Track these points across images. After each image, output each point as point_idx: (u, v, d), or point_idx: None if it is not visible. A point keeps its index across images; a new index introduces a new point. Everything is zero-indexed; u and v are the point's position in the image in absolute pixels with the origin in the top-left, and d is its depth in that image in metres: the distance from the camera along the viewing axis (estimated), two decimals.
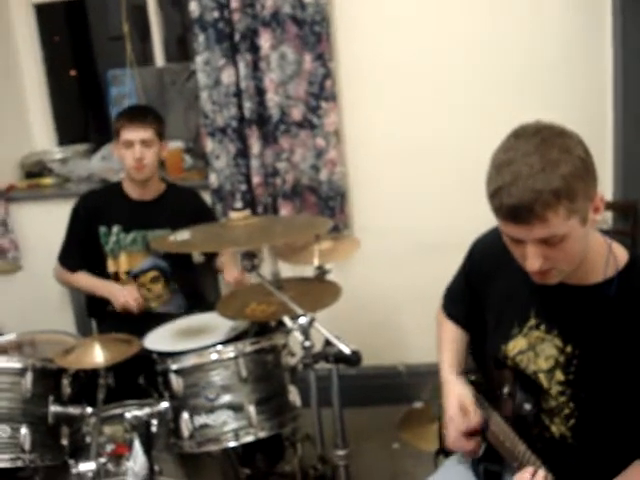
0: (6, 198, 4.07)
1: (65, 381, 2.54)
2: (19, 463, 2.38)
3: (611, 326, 1.65)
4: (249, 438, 2.46)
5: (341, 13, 3.66)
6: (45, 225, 3.95)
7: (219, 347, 2.50)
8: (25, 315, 3.85)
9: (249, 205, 3.72)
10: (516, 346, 1.82)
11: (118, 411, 2.55)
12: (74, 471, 2.29)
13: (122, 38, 4.21)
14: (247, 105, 3.65)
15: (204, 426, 2.45)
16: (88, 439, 2.51)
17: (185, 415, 2.44)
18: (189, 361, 2.48)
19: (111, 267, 3.25)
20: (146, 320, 2.96)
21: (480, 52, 3.59)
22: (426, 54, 3.65)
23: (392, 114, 3.73)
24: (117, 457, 2.44)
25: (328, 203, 3.76)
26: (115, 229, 3.22)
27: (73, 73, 5.81)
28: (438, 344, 2.15)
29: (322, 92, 3.63)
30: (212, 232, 2.60)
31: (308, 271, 2.86)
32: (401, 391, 3.80)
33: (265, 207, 3.79)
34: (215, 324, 2.78)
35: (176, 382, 2.46)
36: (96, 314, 3.32)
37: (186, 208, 3.27)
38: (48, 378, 2.49)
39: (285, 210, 3.78)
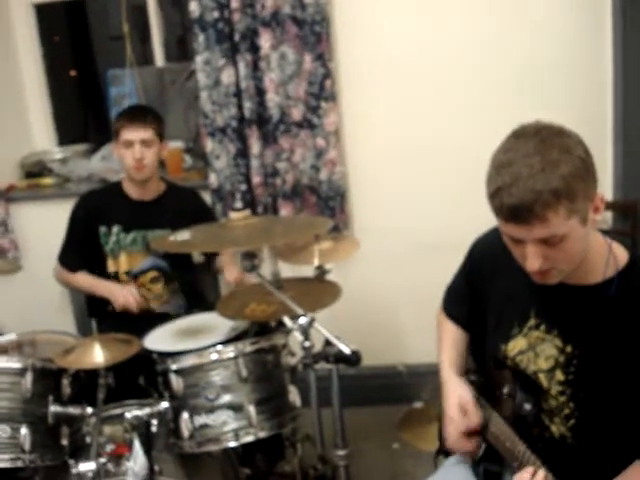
0: (6, 198, 4.06)
1: (65, 381, 2.54)
2: (19, 463, 2.38)
3: (611, 326, 1.65)
4: (249, 438, 2.46)
5: (341, 13, 3.66)
6: (45, 225, 3.95)
7: (219, 347, 2.50)
8: (25, 315, 3.85)
9: (249, 205, 3.72)
10: (516, 346, 1.82)
11: (118, 411, 2.55)
12: (74, 471, 2.29)
13: (122, 38, 4.21)
14: (247, 105, 3.65)
15: (204, 426, 2.45)
16: (88, 439, 2.51)
17: (185, 415, 2.45)
18: (189, 361, 2.48)
19: (111, 267, 3.25)
20: (146, 320, 2.96)
21: (480, 52, 3.59)
22: (426, 54, 3.66)
23: (392, 114, 3.73)
24: (117, 457, 2.44)
25: (328, 203, 3.76)
26: (115, 229, 3.22)
27: (73, 73, 5.81)
28: (438, 344, 2.15)
29: (322, 92, 3.63)
30: (212, 232, 2.60)
31: (308, 271, 2.86)
32: (401, 391, 3.80)
33: (265, 207, 3.79)
34: (215, 324, 2.78)
35: (176, 382, 2.46)
36: (96, 314, 3.32)
37: (186, 208, 3.27)
38: (48, 378, 2.49)
39: (285, 210, 3.78)
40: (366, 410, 3.78)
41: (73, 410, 2.48)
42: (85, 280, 3.26)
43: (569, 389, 1.71)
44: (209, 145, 3.76)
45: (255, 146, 3.69)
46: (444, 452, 2.18)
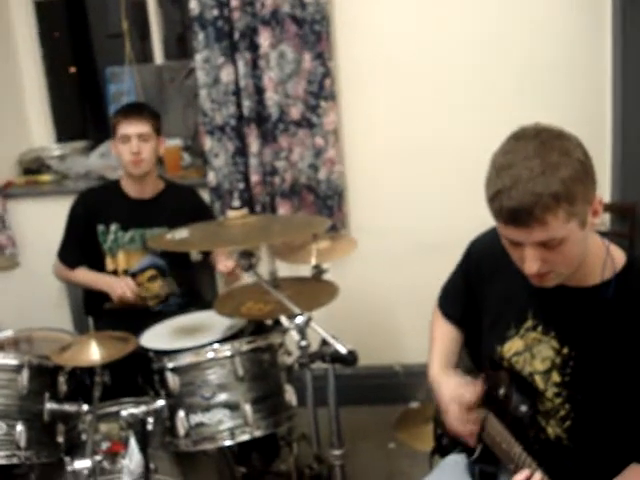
0: (4, 194, 4.06)
1: (61, 378, 2.53)
2: (14, 460, 2.38)
3: (608, 328, 1.65)
4: (245, 437, 2.46)
5: (341, 12, 3.65)
6: (43, 222, 3.94)
7: (215, 345, 2.50)
8: (22, 312, 3.85)
9: (247, 204, 3.72)
10: (512, 347, 1.82)
11: (114, 409, 2.54)
12: (69, 468, 2.29)
13: (121, 35, 4.21)
14: (246, 103, 3.64)
15: (200, 424, 2.45)
16: (84, 437, 2.50)
17: (181, 413, 2.44)
18: (185, 359, 2.48)
19: (109, 265, 3.24)
20: (143, 318, 2.96)
21: (479, 52, 3.59)
22: (426, 54, 3.66)
23: (391, 114, 3.73)
24: (113, 455, 2.43)
25: (326, 202, 3.76)
26: (113, 227, 3.21)
27: (72, 70, 5.80)
28: (431, 342, 2.15)
29: (321, 91, 3.63)
30: (210, 230, 2.60)
31: (305, 270, 2.86)
32: (397, 391, 3.80)
33: (263, 206, 3.79)
34: (212, 322, 2.78)
35: (172, 380, 2.46)
36: (93, 311, 3.30)
37: (184, 206, 3.27)
38: (44, 375, 2.49)
39: (283, 209, 3.78)
40: (362, 410, 3.78)
41: (69, 407, 2.47)
42: (85, 276, 3.26)
43: (565, 391, 1.71)
44: (208, 143, 3.76)
45: (254, 145, 3.69)
46: (440, 452, 2.18)
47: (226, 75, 3.64)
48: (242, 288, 2.83)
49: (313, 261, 2.81)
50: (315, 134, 3.68)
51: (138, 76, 4.28)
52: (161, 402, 2.45)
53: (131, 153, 3.11)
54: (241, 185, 3.76)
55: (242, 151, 3.74)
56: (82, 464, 2.28)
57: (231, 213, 2.64)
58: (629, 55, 3.41)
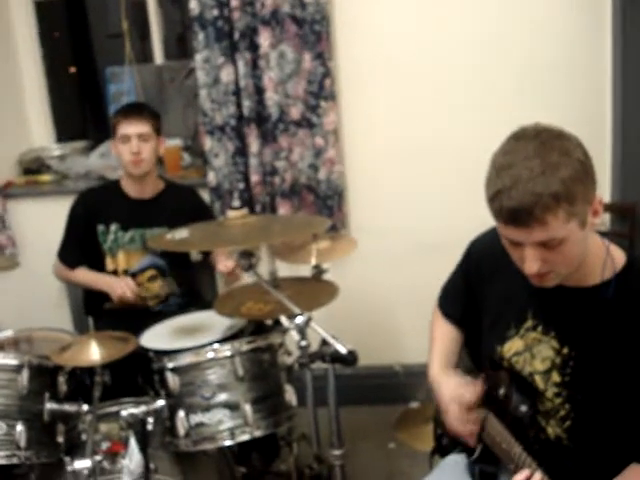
0: (4, 194, 4.06)
1: (61, 378, 2.53)
2: (14, 460, 2.38)
3: (608, 328, 1.65)
4: (245, 437, 2.46)
5: (341, 12, 3.65)
6: (43, 222, 3.94)
7: (215, 345, 2.50)
8: (22, 312, 3.84)
9: (247, 204, 3.72)
10: (512, 347, 1.82)
11: (114, 409, 2.54)
12: (69, 469, 2.29)
13: (121, 35, 4.21)
14: (246, 103, 3.64)
15: (200, 424, 2.44)
16: (84, 437, 2.50)
17: (181, 413, 2.44)
18: (185, 359, 2.48)
19: (109, 265, 3.24)
20: (143, 318, 2.96)
21: (479, 52, 3.59)
22: (426, 54, 3.66)
23: (391, 114, 3.73)
24: (113, 455, 2.43)
25: (326, 202, 3.76)
26: (113, 227, 3.21)
27: (73, 70, 5.80)
28: (430, 342, 2.15)
29: (321, 91, 3.63)
30: (210, 231, 2.60)
31: (305, 270, 2.86)
32: (397, 391, 3.80)
33: (263, 206, 3.79)
34: (212, 322, 2.78)
35: (172, 380, 2.46)
36: (93, 311, 3.31)
37: (184, 206, 3.27)
38: (44, 375, 2.49)
39: (283, 209, 3.78)
40: (362, 410, 3.78)
41: (69, 407, 2.47)
42: (84, 276, 3.26)
43: (565, 391, 1.71)
44: (208, 143, 3.76)
45: (254, 145, 3.69)
46: (440, 452, 2.18)
47: (226, 75, 3.64)
48: (242, 288, 2.83)
49: (313, 261, 2.81)
50: (315, 134, 3.68)
51: (138, 76, 4.29)
52: (161, 402, 2.45)
53: (131, 153, 3.11)
54: (241, 185, 3.76)
55: (242, 151, 3.74)
56: (82, 464, 2.28)
57: (231, 213, 2.64)
58: (629, 55, 3.41)
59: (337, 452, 2.25)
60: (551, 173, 1.49)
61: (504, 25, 3.57)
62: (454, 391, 1.96)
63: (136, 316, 3.07)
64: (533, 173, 1.49)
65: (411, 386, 3.68)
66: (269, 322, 2.80)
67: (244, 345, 2.50)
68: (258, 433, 2.47)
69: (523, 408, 1.77)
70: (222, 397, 2.45)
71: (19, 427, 2.38)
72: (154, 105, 3.62)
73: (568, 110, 3.44)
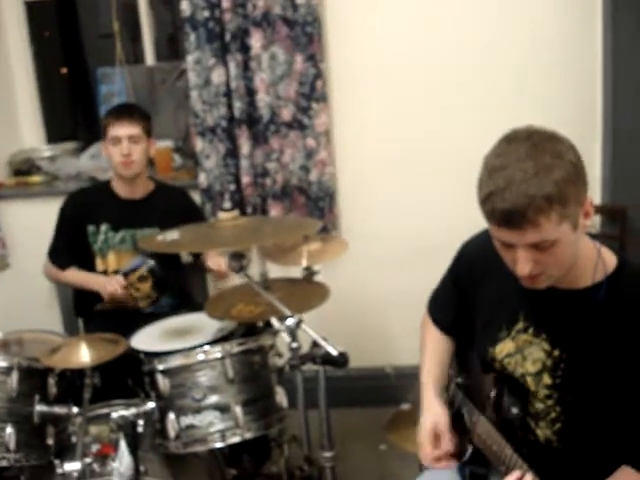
0: None
1: (51, 380, 2.53)
2: (4, 462, 2.38)
3: (599, 331, 1.65)
4: (235, 439, 2.46)
5: (332, 14, 3.65)
6: (33, 223, 3.93)
7: (206, 347, 2.50)
8: (12, 313, 3.82)
9: (238, 205, 3.71)
10: (504, 349, 1.82)
11: (104, 411, 2.54)
12: (59, 471, 2.30)
13: (112, 36, 4.20)
14: (237, 105, 3.64)
15: (190, 427, 2.44)
16: (74, 439, 2.50)
17: (171, 415, 2.44)
18: (176, 361, 2.47)
19: (99, 266, 3.24)
20: (133, 320, 2.95)
21: (472, 54, 3.60)
22: (418, 56, 3.66)
23: (383, 115, 3.73)
24: (103, 457, 2.43)
25: (317, 204, 3.75)
26: (104, 228, 3.21)
27: (63, 71, 5.78)
28: (421, 350, 2.14)
29: (313, 93, 3.63)
30: (201, 232, 2.60)
31: (296, 272, 2.86)
32: (388, 393, 3.79)
33: (254, 207, 3.78)
34: (202, 324, 2.78)
35: (162, 382, 2.45)
36: (83, 313, 3.31)
37: (175, 207, 3.27)
38: (34, 377, 2.49)
39: (274, 211, 3.77)
40: (353, 412, 3.78)
41: (59, 410, 2.47)
42: (75, 276, 3.26)
43: (556, 393, 1.71)
44: (199, 145, 3.75)
45: (245, 146, 3.68)
46: None
47: (217, 76, 3.64)
48: (233, 290, 2.83)
49: (304, 263, 2.81)
50: (306, 136, 3.68)
51: (129, 77, 4.28)
52: (151, 404, 2.45)
53: (121, 155, 3.10)
54: (232, 187, 3.76)
55: (233, 153, 3.73)
56: (72, 466, 2.29)
57: (222, 215, 2.63)
58: (620, 57, 3.42)
59: (328, 454, 2.26)
60: (544, 175, 1.49)
61: (497, 27, 3.58)
62: (433, 421, 1.94)
63: (126, 318, 3.06)
64: (526, 175, 1.49)
65: (402, 388, 3.67)
66: (260, 324, 2.79)
67: (235, 347, 2.49)
68: (249, 435, 2.47)
69: (514, 410, 1.77)
70: (213, 399, 2.45)
71: (9, 429, 2.38)
72: (145, 106, 3.61)
73: (559, 112, 3.44)
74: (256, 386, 2.52)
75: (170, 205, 3.27)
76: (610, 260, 1.70)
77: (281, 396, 2.56)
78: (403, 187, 3.77)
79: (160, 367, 2.46)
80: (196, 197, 3.68)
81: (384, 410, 3.56)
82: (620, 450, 1.66)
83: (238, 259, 2.30)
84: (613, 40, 3.41)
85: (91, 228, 3.21)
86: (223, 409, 2.45)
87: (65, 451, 2.49)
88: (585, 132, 3.56)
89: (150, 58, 4.30)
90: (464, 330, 1.99)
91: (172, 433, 2.44)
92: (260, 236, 2.53)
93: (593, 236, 1.74)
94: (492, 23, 3.58)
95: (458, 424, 1.95)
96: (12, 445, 2.37)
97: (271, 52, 3.60)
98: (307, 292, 2.71)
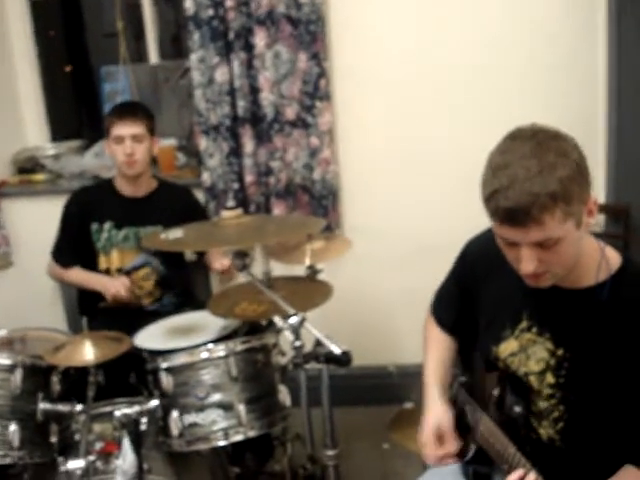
0: None
1: (55, 378, 2.53)
2: (8, 460, 2.38)
3: (602, 330, 1.65)
4: (239, 437, 2.45)
5: (336, 13, 3.65)
6: (37, 221, 3.93)
7: (210, 346, 2.50)
8: (16, 311, 3.82)
9: (241, 204, 3.71)
10: (507, 348, 1.82)
11: (108, 409, 2.54)
12: (63, 469, 2.29)
13: (116, 35, 4.21)
14: (241, 103, 3.64)
15: (193, 425, 2.44)
16: (77, 437, 2.50)
17: (175, 413, 2.44)
18: (179, 359, 2.47)
19: (103, 264, 3.24)
20: (137, 318, 2.96)
21: (476, 52, 3.59)
22: (422, 54, 3.66)
23: (386, 114, 3.73)
24: (106, 455, 2.43)
25: (321, 202, 3.75)
26: (107, 226, 3.21)
27: (68, 69, 5.79)
28: (424, 350, 2.13)
29: (316, 91, 3.63)
30: (204, 231, 2.59)
31: (299, 270, 2.86)
32: (391, 391, 3.80)
33: (258, 206, 3.78)
34: (206, 323, 2.78)
35: (166, 380, 2.45)
36: (87, 311, 3.30)
37: (178, 205, 3.27)
38: (38, 375, 2.49)
39: (278, 209, 3.77)
40: (356, 410, 3.78)
41: (62, 407, 2.47)
42: (78, 275, 3.26)
43: (559, 392, 1.71)
44: (202, 143, 3.75)
45: (248, 145, 3.68)
46: None
47: (221, 75, 3.64)
48: (236, 288, 2.83)
49: (307, 261, 2.82)
50: (310, 134, 3.68)
51: (133, 76, 4.28)
52: (155, 402, 2.45)
53: (125, 154, 3.10)
54: (236, 185, 3.75)
55: (237, 151, 3.73)
56: (75, 464, 2.28)
57: (225, 213, 2.64)
58: (624, 57, 3.41)
59: (331, 452, 2.25)
60: (548, 173, 1.49)
61: (500, 27, 3.58)
62: (436, 421, 1.94)
63: (130, 316, 3.07)
64: (530, 173, 1.49)
65: (405, 386, 3.68)
66: (263, 322, 2.79)
67: (238, 345, 2.49)
68: (252, 433, 2.47)
69: (517, 409, 1.77)
70: (216, 397, 2.45)
71: (12, 427, 2.38)
72: (149, 105, 3.61)
73: (563, 111, 3.44)
74: (259, 384, 2.52)
75: (173, 203, 3.27)
76: (614, 259, 1.70)
77: (284, 394, 2.56)
78: (406, 186, 3.77)
79: (164, 365, 2.46)
80: (200, 195, 3.68)
81: (387, 409, 3.57)
82: (623, 449, 1.66)
83: (241, 257, 2.31)
84: (616, 40, 3.41)
85: (94, 226, 3.21)
86: (226, 407, 2.44)
87: (69, 449, 2.49)
88: (588, 131, 3.55)
89: (154, 56, 4.30)
90: (467, 329, 1.99)
91: (175, 431, 2.43)
92: (263, 234, 2.53)
93: (597, 235, 1.74)
94: (495, 23, 3.57)
95: (461, 423, 1.95)
96: (16, 443, 2.37)
97: (275, 51, 3.60)
98: (310, 290, 2.71)
